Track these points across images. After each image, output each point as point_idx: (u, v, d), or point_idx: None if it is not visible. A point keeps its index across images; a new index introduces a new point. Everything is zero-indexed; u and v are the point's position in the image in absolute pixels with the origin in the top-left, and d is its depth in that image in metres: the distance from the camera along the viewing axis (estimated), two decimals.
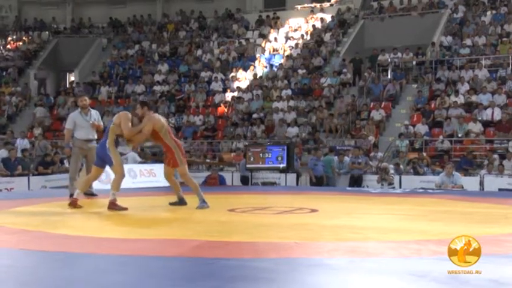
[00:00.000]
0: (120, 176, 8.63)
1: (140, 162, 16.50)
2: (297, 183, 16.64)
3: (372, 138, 18.78)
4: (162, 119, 8.99)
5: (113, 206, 8.41)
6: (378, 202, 10.15)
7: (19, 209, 8.75)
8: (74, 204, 8.76)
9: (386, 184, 15.46)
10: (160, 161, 17.28)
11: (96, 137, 10.56)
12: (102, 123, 10.76)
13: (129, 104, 24.33)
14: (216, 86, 24.41)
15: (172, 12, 30.75)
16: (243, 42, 26.88)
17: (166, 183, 9.32)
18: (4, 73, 27.63)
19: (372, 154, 17.55)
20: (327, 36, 25.68)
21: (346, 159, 16.91)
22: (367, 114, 20.42)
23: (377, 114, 20.14)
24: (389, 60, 23.03)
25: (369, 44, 25.12)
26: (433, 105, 19.96)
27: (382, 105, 20.71)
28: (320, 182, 16.26)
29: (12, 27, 30.75)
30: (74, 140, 10.40)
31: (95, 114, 10.60)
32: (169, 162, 8.86)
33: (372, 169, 16.72)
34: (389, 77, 22.52)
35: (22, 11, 31.81)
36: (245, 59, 25.68)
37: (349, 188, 14.65)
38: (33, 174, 16.19)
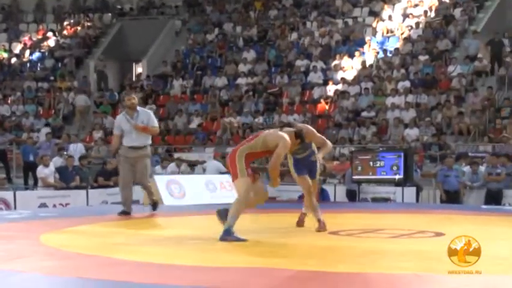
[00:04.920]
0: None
1: (222, 173, 16.41)
2: (417, 200, 16.42)
3: None
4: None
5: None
6: None
7: (75, 229, 9.04)
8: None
9: None
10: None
11: (148, 142, 10.60)
12: (153, 125, 10.70)
13: (207, 100, 24.69)
14: (315, 77, 24.38)
15: None
16: (349, 22, 26.76)
17: None
18: (60, 64, 28.58)
19: None
20: (456, 12, 25.21)
21: (481, 169, 16.52)
22: (509, 112, 19.93)
23: None
24: None
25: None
26: None
27: None
28: (454, 198, 15.89)
29: (69, 9, 31.81)
30: (121, 147, 10.61)
31: (143, 115, 10.62)
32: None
33: None
34: None
35: None
36: (351, 43, 25.53)
37: (485, 207, 14.32)
38: (92, 187, 16.64)
